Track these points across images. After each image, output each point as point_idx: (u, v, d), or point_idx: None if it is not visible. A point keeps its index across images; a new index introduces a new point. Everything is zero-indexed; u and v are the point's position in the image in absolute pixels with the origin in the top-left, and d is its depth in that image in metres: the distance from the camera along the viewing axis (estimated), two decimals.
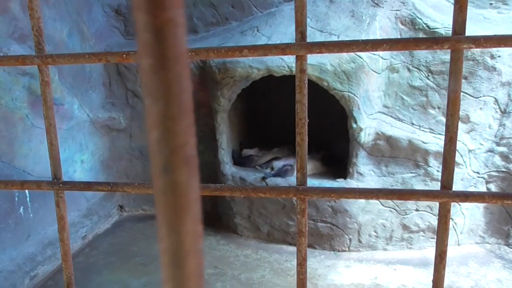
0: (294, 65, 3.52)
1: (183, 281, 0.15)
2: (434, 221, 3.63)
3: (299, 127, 0.61)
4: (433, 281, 0.60)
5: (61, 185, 0.63)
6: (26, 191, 3.37)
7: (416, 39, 0.60)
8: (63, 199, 0.65)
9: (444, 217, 0.60)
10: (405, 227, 3.70)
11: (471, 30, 3.41)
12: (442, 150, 3.67)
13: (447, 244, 0.61)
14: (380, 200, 3.68)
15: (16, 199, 3.27)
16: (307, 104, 0.61)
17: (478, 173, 3.65)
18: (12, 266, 3.20)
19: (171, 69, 0.14)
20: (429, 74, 3.54)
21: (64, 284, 0.63)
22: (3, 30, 3.15)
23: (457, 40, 0.55)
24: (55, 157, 0.64)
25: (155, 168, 0.14)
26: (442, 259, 0.61)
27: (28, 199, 3.38)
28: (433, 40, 0.58)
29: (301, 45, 0.57)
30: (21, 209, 3.33)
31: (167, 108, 0.14)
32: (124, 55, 0.58)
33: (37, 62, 0.58)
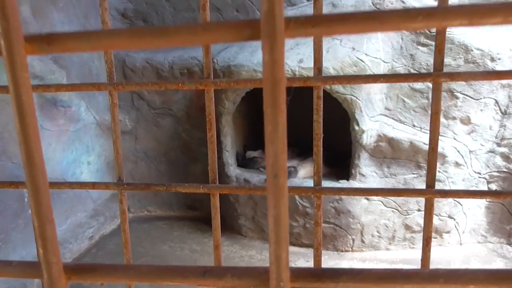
0: (297, 68, 3.59)
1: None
2: (435, 221, 3.68)
3: (315, 140, 0.77)
4: (421, 259, 0.74)
5: (125, 185, 0.80)
6: None
7: (405, 75, 0.83)
8: (125, 197, 0.82)
9: (428, 209, 0.78)
10: (407, 227, 3.76)
11: (471, 32, 3.48)
12: (443, 151, 3.70)
13: (431, 231, 0.77)
14: (382, 199, 3.73)
15: (26, 199, 3.35)
16: (322, 123, 0.77)
17: (479, 173, 3.71)
18: None
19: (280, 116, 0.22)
20: None
21: None
22: None
23: (437, 75, 0.72)
24: (120, 162, 0.80)
25: (270, 175, 0.22)
26: (428, 243, 0.77)
27: None
28: (418, 75, 0.81)
29: (318, 78, 0.76)
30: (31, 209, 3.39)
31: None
32: (180, 84, 0.70)
33: (110, 88, 0.73)
